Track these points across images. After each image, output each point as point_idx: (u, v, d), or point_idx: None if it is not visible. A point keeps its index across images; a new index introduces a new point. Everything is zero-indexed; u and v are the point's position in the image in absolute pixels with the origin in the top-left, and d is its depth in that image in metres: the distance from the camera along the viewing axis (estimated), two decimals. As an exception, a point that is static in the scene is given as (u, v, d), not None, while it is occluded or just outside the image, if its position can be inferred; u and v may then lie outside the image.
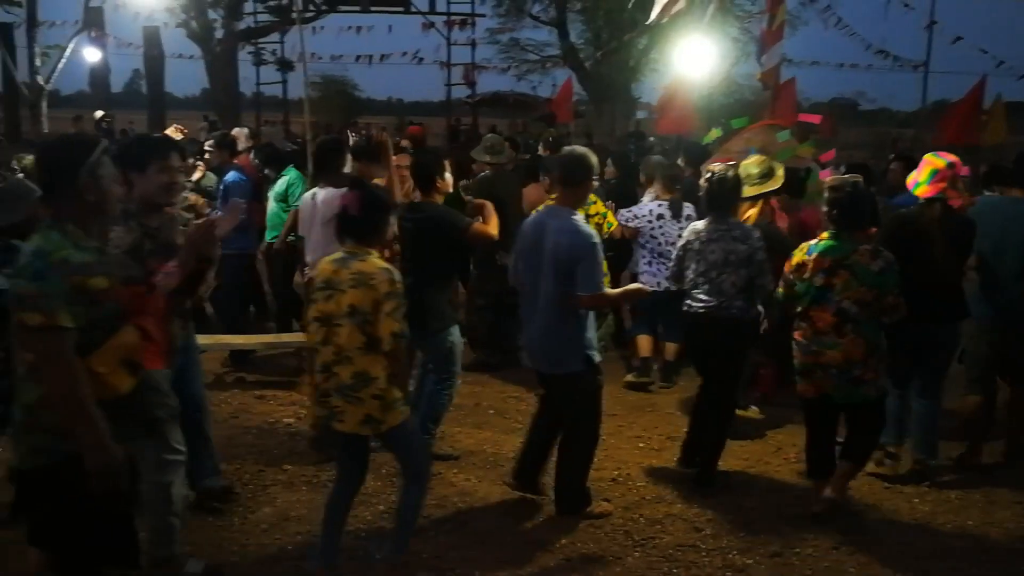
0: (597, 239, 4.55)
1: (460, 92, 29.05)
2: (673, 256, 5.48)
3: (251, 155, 8.72)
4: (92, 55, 21.84)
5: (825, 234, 4.72)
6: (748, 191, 5.71)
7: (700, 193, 5.42)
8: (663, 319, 7.10)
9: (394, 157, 6.00)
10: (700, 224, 5.26)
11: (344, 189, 5.24)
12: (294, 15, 11.96)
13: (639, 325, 7.31)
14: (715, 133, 8.69)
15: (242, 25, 22.43)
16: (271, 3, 24.17)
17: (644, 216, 7.00)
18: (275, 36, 25.95)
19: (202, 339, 5.59)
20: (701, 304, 5.15)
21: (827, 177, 6.60)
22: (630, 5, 17.21)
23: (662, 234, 6.93)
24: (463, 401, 6.47)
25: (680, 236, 6.57)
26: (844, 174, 5.35)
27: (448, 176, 5.44)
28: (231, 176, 7.57)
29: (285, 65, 27.45)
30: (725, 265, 5.06)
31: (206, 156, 8.43)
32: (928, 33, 23.47)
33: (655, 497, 5.10)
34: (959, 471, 5.52)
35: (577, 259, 4.44)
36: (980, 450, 5.58)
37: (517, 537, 4.59)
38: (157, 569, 3.84)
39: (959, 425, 5.75)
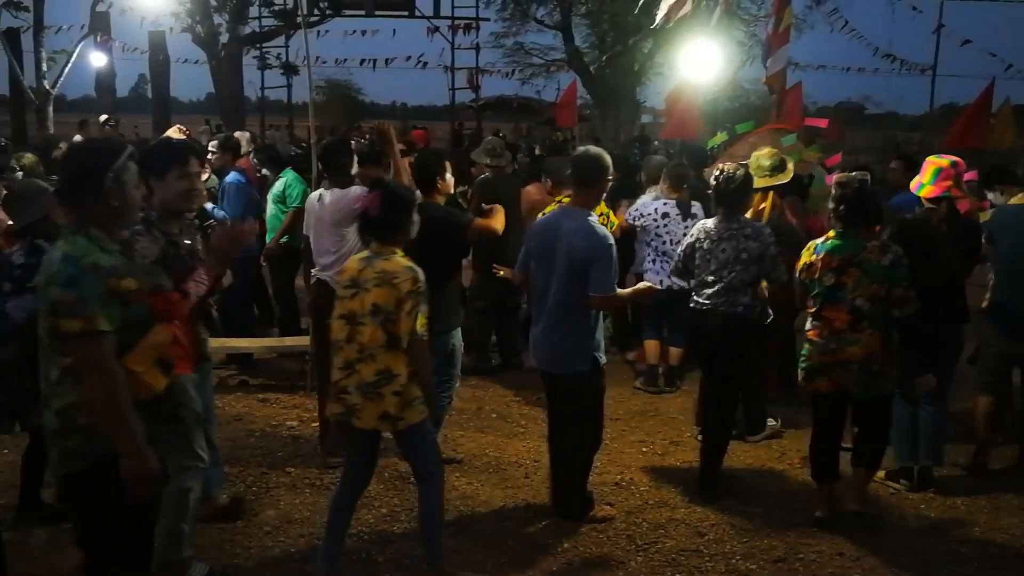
0: (612, 240, 4.55)
1: (464, 96, 29.14)
2: (678, 250, 5.46)
3: (251, 157, 8.77)
4: (98, 60, 21.93)
5: (832, 232, 4.70)
6: (758, 182, 5.71)
7: (709, 191, 5.41)
8: (668, 322, 7.09)
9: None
10: (710, 222, 5.24)
11: (350, 190, 5.29)
12: (299, 19, 12.00)
13: (648, 330, 7.30)
14: (720, 137, 8.69)
15: (247, 30, 22.42)
16: (276, 7, 24.21)
17: (649, 214, 6.99)
18: (280, 40, 26.00)
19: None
20: (709, 302, 5.14)
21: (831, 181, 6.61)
22: (637, 11, 17.20)
23: (667, 232, 6.92)
24: (465, 405, 6.47)
25: (686, 235, 6.59)
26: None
27: (449, 177, 5.43)
28: (231, 177, 7.62)
29: (290, 69, 27.51)
30: (736, 263, 5.05)
31: (209, 158, 8.45)
32: (936, 37, 23.49)
33: (658, 501, 5.08)
34: (968, 474, 5.49)
35: (592, 260, 4.43)
36: (988, 452, 5.56)
37: (519, 541, 4.57)
38: (163, 572, 3.84)
39: (965, 429, 5.74)
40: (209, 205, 5.78)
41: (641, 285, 5.00)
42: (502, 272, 5.26)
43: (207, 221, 4.72)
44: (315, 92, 7.79)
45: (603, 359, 4.71)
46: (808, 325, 4.74)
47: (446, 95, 28.97)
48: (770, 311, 5.28)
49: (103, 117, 17.82)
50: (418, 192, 5.45)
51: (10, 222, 4.48)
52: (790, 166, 6.00)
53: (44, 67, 20.37)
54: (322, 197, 5.47)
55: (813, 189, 6.88)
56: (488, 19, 26.47)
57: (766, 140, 7.57)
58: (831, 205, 4.69)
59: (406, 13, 26.01)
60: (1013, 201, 5.81)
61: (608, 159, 4.70)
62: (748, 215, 5.63)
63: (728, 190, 5.12)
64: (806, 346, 4.74)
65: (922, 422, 5.23)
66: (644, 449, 5.93)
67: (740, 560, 4.42)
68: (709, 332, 5.18)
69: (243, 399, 6.75)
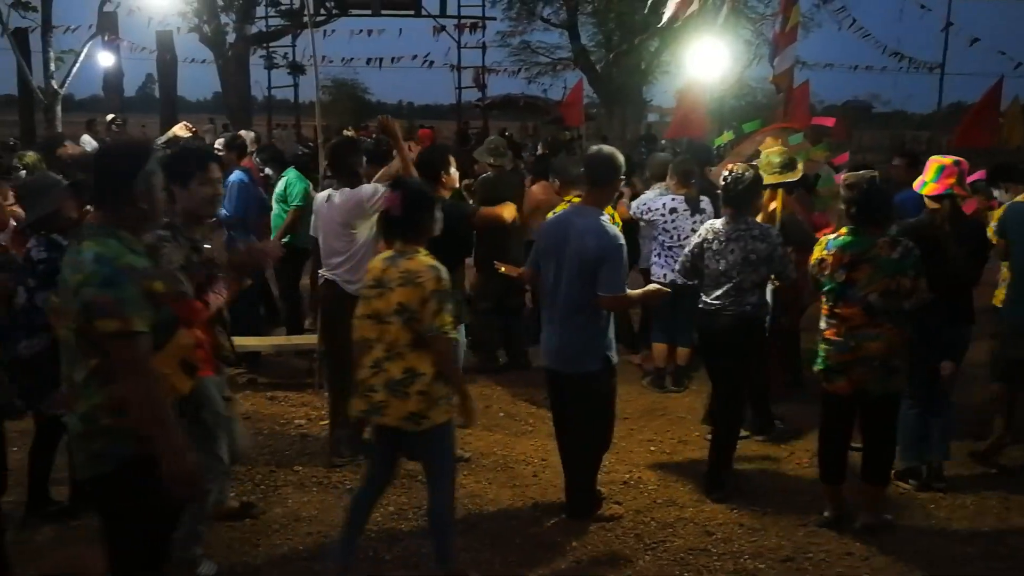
0: (623, 240, 4.55)
1: (471, 95, 29.11)
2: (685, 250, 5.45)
3: (253, 156, 8.80)
4: (106, 59, 21.99)
5: (844, 229, 4.68)
6: (768, 179, 5.71)
7: (717, 192, 5.41)
8: (674, 319, 7.08)
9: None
10: (718, 223, 5.24)
11: (360, 189, 5.28)
12: (305, 19, 11.99)
13: (657, 332, 7.29)
14: (727, 136, 8.65)
15: (254, 29, 22.47)
16: (282, 7, 24.25)
17: (657, 209, 6.98)
18: (287, 40, 26.04)
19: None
20: (718, 302, 5.14)
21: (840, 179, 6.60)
22: (646, 10, 17.17)
23: (674, 228, 6.91)
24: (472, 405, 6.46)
25: (693, 231, 6.59)
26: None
27: (454, 171, 5.43)
28: (235, 176, 7.63)
29: (296, 69, 27.54)
30: (745, 264, 5.06)
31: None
32: (944, 35, 23.40)
33: (666, 500, 5.08)
34: (980, 462, 5.53)
35: (602, 259, 4.43)
36: (1002, 442, 5.57)
37: (527, 540, 4.57)
38: (174, 569, 3.85)
39: (973, 422, 5.73)
40: None
41: (651, 287, 5.00)
42: (503, 268, 5.25)
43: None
44: (321, 91, 7.77)
45: (615, 359, 4.71)
46: (823, 324, 4.71)
47: (452, 94, 28.96)
48: (770, 307, 5.29)
49: (109, 116, 17.91)
50: None
51: (14, 223, 4.52)
52: (800, 165, 5.99)
53: (52, 67, 20.38)
54: (331, 198, 5.42)
55: (821, 188, 6.86)
56: (494, 18, 26.51)
57: (773, 139, 7.56)
58: (842, 206, 4.67)
59: (412, 12, 26.00)
60: (1020, 199, 5.81)
61: (621, 159, 4.70)
62: (760, 215, 5.64)
63: (737, 191, 5.11)
64: (822, 346, 4.68)
65: (931, 420, 5.21)
66: (652, 448, 5.93)
67: (748, 559, 4.42)
68: (717, 332, 5.18)
69: (251, 397, 6.76)
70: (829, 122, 9.94)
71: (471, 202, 7.37)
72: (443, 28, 26.76)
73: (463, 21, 26.86)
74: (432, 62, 28.28)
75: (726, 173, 5.21)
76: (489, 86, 28.50)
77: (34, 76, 20.37)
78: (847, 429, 4.78)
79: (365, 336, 3.88)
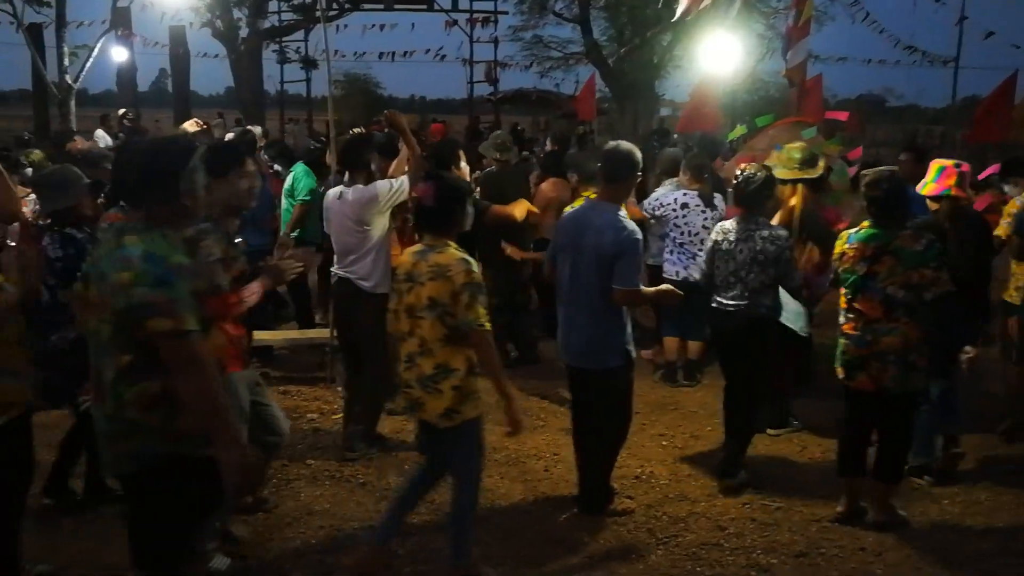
0: (640, 235, 4.55)
1: (483, 90, 29.08)
2: (701, 253, 5.47)
3: (261, 152, 8.82)
4: (119, 54, 22.07)
5: (865, 223, 4.66)
6: (787, 174, 5.72)
7: (730, 189, 5.41)
8: (686, 315, 7.07)
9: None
10: (729, 223, 5.24)
11: (374, 185, 5.29)
12: (318, 13, 11.99)
13: (669, 326, 7.27)
14: (740, 131, 8.63)
15: (267, 24, 22.54)
16: (295, 2, 24.26)
17: (669, 204, 6.96)
18: (299, 34, 26.06)
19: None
20: (731, 303, 5.14)
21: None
22: (660, 5, 17.10)
23: (685, 223, 6.89)
24: (485, 399, 6.46)
25: (704, 227, 6.57)
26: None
27: (464, 165, 5.43)
28: None
29: (309, 63, 27.55)
30: (753, 264, 5.05)
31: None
32: (959, 28, 23.26)
33: (678, 495, 5.07)
34: (1005, 439, 5.58)
35: (619, 254, 4.43)
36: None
37: (539, 534, 4.58)
38: (187, 564, 3.88)
39: (983, 418, 5.75)
40: None
41: (664, 287, 5.00)
42: (509, 251, 5.23)
43: None
44: (334, 86, 7.78)
45: (634, 352, 4.71)
46: (841, 319, 4.69)
47: (464, 88, 28.99)
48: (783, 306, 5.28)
49: (121, 111, 17.96)
50: None
51: (13, 225, 4.54)
52: (821, 163, 5.97)
53: (66, 62, 20.51)
54: (343, 195, 5.40)
55: (833, 181, 6.83)
56: (506, 12, 26.45)
57: (786, 133, 7.53)
58: (863, 202, 4.65)
59: (424, 7, 26.01)
60: None
61: (639, 155, 4.70)
62: (779, 213, 5.63)
63: (748, 191, 5.11)
64: (841, 340, 4.67)
65: (940, 408, 5.21)
66: (664, 443, 5.92)
67: (761, 554, 4.41)
68: (731, 332, 5.18)
69: (263, 391, 6.77)
70: (842, 116, 9.92)
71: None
72: (455, 22, 26.76)
73: (475, 15, 26.84)
74: (444, 56, 28.34)
75: (738, 172, 5.21)
76: (501, 80, 28.50)
77: (48, 71, 20.51)
78: (868, 424, 4.75)
79: (399, 329, 3.90)
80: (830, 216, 6.41)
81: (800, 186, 5.79)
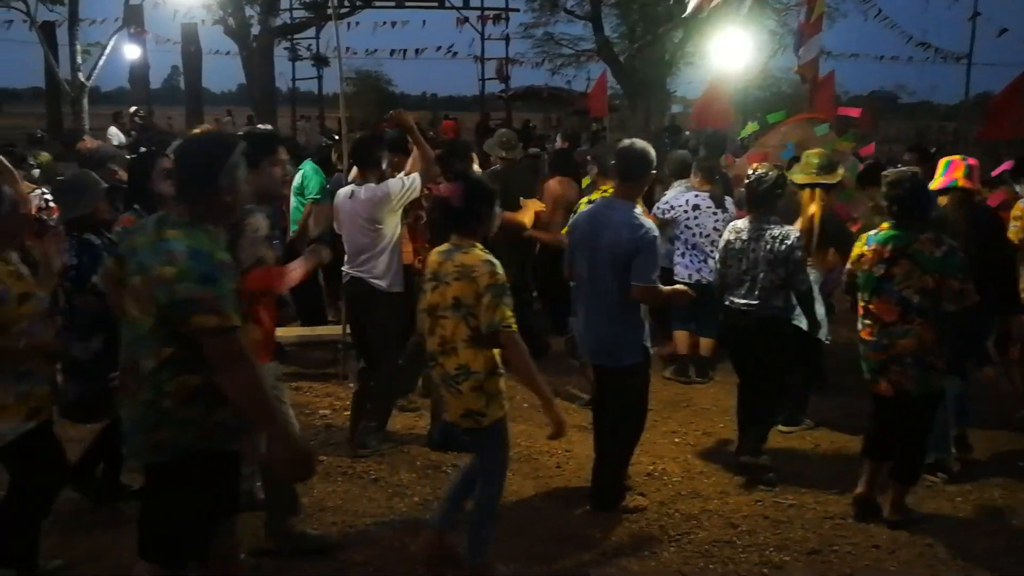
0: (656, 233, 4.56)
1: (494, 87, 29.11)
2: (713, 255, 5.48)
3: None
4: (132, 52, 22.21)
5: (886, 224, 4.65)
6: (804, 178, 5.74)
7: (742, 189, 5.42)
8: (697, 314, 7.06)
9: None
10: (741, 223, 5.25)
11: (387, 183, 5.29)
12: (329, 11, 12.03)
13: (676, 321, 7.27)
14: (751, 127, 8.63)
15: (278, 21, 22.56)
16: (307, -1, 24.34)
17: (680, 206, 6.95)
18: (311, 32, 26.15)
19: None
20: (743, 302, 5.14)
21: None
22: (671, 1, 17.08)
23: (697, 225, 6.88)
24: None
25: (716, 228, 6.56)
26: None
27: (476, 168, 5.43)
28: None
29: (320, 61, 27.63)
30: (764, 264, 5.05)
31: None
32: (972, 25, 23.14)
33: (691, 492, 5.07)
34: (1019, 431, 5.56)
35: (636, 251, 4.44)
36: None
37: (552, 531, 4.58)
38: None
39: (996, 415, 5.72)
40: None
41: (678, 287, 5.01)
42: (532, 232, 5.19)
43: None
44: (345, 83, 7.81)
45: (651, 349, 4.71)
46: (859, 325, 4.69)
47: (476, 85, 29.06)
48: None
49: (132, 108, 18.06)
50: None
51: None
52: (840, 170, 5.96)
53: (79, 60, 20.61)
54: (355, 193, 5.38)
55: (846, 179, 6.81)
56: (517, 9, 26.45)
57: (798, 130, 7.52)
58: (883, 203, 4.64)
59: (436, 4, 26.07)
60: None
61: (653, 154, 4.70)
62: (799, 220, 5.62)
63: (760, 191, 5.11)
64: (861, 347, 4.68)
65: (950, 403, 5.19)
66: (677, 440, 5.92)
67: (774, 552, 4.40)
68: (743, 332, 5.19)
69: (276, 388, 6.79)
70: (855, 113, 9.90)
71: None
72: (466, 20, 26.78)
73: (486, 12, 26.89)
74: (455, 53, 28.33)
75: (750, 172, 5.21)
76: (512, 77, 28.52)
77: (61, 69, 20.62)
78: (891, 425, 4.72)
79: (426, 328, 3.93)
80: (841, 213, 6.40)
81: (818, 191, 5.77)
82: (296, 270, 4.12)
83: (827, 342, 5.97)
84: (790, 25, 19.20)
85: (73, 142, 9.31)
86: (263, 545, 4.17)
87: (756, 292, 5.09)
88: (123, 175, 5.76)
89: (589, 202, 6.22)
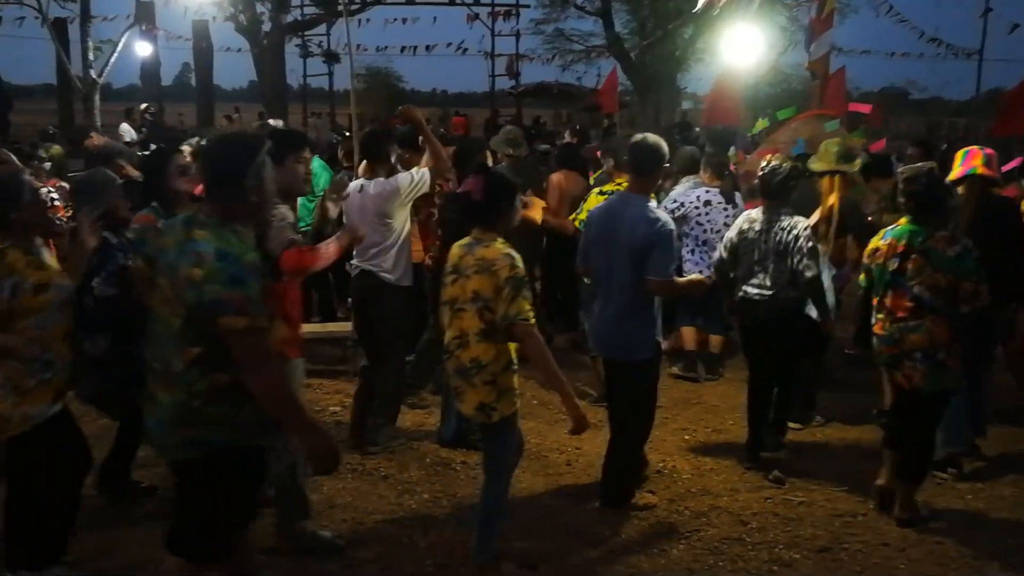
0: (673, 226, 4.58)
1: (504, 83, 29.06)
2: (720, 244, 5.49)
3: None
4: (143, 49, 22.23)
5: (903, 219, 4.64)
6: (823, 166, 5.77)
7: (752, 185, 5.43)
8: (705, 310, 7.05)
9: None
10: (755, 212, 5.26)
11: (396, 177, 5.29)
12: (340, 8, 12.03)
13: (683, 317, 7.26)
14: (762, 124, 8.60)
15: (289, 18, 22.56)
16: (317, -4, 24.32)
17: (691, 203, 6.94)
18: (322, 28, 26.12)
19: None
20: (757, 292, 5.16)
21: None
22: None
23: (708, 221, 6.87)
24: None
25: (726, 224, 6.56)
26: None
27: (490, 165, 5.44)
28: None
29: (331, 57, 27.64)
30: (775, 255, 5.07)
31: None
32: (983, 21, 23.02)
33: (700, 490, 5.07)
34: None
35: (653, 245, 4.46)
36: None
37: (561, 528, 4.58)
38: None
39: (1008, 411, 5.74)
40: None
41: (694, 276, 5.01)
42: (550, 220, 5.20)
43: None
44: (356, 80, 7.82)
45: (663, 343, 4.71)
46: (873, 319, 4.69)
47: (486, 82, 28.98)
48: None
49: (143, 105, 18.11)
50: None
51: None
52: (858, 160, 5.96)
53: (91, 56, 20.65)
54: (364, 188, 5.38)
55: (856, 175, 6.79)
56: (528, 6, 26.44)
57: (808, 126, 7.49)
58: (900, 199, 4.62)
59: (446, 0, 26.00)
60: None
61: (666, 149, 4.71)
62: (818, 210, 5.62)
63: (774, 182, 5.12)
64: (875, 341, 4.68)
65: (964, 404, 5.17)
66: (686, 437, 5.92)
67: (783, 549, 4.40)
68: (757, 322, 5.19)
69: (286, 384, 6.81)
70: (865, 109, 9.84)
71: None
72: (477, 16, 26.74)
73: (497, 9, 26.84)
74: (466, 50, 28.29)
75: (763, 164, 5.21)
76: (523, 74, 28.46)
77: (73, 66, 20.66)
78: (916, 411, 4.69)
79: (446, 321, 3.95)
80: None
81: (838, 179, 5.77)
82: (331, 246, 4.18)
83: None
84: (801, 21, 19.18)
85: (81, 139, 9.33)
86: (273, 544, 4.18)
87: (769, 282, 5.11)
88: (131, 171, 5.78)
89: (600, 193, 6.24)
